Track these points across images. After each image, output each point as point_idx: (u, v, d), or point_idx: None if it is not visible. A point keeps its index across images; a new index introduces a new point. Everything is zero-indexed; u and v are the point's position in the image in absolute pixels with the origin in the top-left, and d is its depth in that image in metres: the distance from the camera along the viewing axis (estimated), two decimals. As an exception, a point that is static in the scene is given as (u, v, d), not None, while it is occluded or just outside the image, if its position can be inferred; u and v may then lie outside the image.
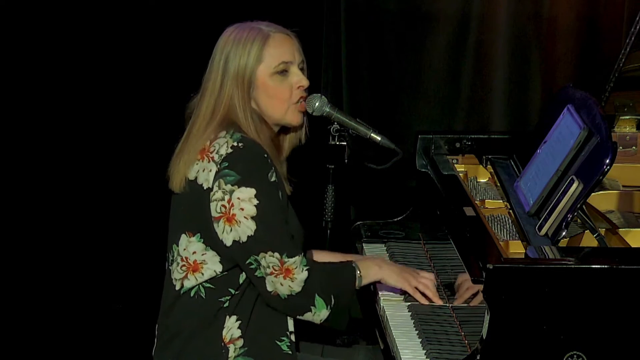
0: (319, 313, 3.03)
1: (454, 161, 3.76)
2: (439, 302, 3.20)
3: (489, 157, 3.77)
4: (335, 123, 3.44)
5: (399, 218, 3.80)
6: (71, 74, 4.62)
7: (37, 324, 4.59)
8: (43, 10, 4.57)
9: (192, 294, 3.04)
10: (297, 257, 2.99)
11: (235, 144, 2.97)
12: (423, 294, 3.19)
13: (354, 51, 4.63)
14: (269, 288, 2.99)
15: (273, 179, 2.98)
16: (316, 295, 3.02)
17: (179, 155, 3.04)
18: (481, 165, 3.77)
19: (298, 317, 3.05)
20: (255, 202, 2.94)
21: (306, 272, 3.00)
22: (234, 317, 3.03)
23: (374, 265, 3.15)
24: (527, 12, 4.58)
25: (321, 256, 3.35)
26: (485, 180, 3.73)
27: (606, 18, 4.52)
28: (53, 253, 4.67)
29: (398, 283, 3.18)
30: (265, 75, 3.05)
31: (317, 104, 3.39)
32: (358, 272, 3.11)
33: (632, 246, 3.16)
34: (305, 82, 3.12)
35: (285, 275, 2.98)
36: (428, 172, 3.72)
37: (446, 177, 3.59)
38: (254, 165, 2.97)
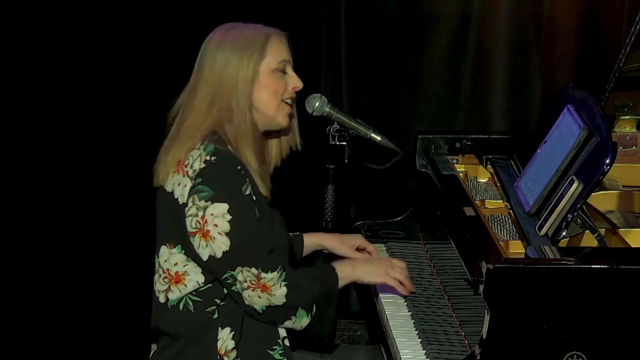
0: (300, 321, 3.03)
1: (454, 161, 3.76)
2: (413, 289, 3.23)
3: (489, 157, 3.77)
4: (335, 123, 3.44)
5: (399, 218, 3.80)
6: (61, 75, 4.62)
7: (37, 324, 4.58)
8: (43, 10, 4.57)
9: (180, 307, 3.03)
10: (274, 272, 2.97)
11: (208, 157, 2.95)
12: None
13: (354, 51, 4.63)
14: (246, 302, 2.99)
15: (248, 192, 2.97)
16: (299, 308, 3.02)
17: (166, 152, 3.03)
18: (481, 165, 3.77)
19: (278, 325, 3.05)
20: (229, 217, 2.93)
21: (285, 287, 2.99)
22: (227, 329, 3.02)
23: (347, 267, 3.14)
24: (527, 12, 4.58)
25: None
26: (485, 180, 3.73)
27: (606, 18, 4.52)
28: (53, 253, 4.67)
29: (377, 278, 3.18)
30: (268, 71, 3.05)
31: (317, 104, 3.40)
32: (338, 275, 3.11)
33: (632, 246, 3.16)
34: (300, 85, 3.13)
35: (262, 289, 2.97)
36: (428, 172, 3.72)
37: (446, 177, 3.59)
38: (227, 179, 2.95)
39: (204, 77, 3.03)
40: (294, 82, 3.11)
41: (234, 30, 3.06)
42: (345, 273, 3.13)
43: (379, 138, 3.46)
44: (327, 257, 3.45)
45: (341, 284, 3.11)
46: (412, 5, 4.60)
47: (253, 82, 3.03)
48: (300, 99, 3.50)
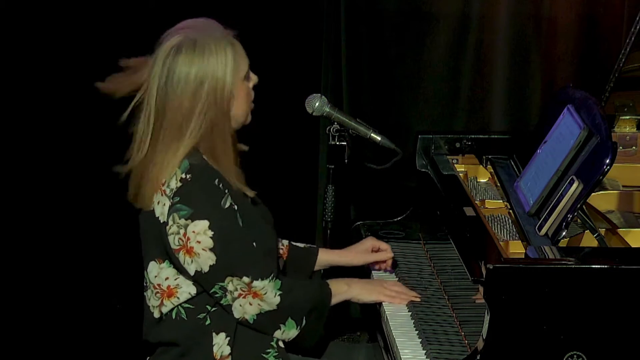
0: (288, 332, 3.03)
1: (454, 161, 3.76)
2: (416, 299, 3.25)
3: (489, 157, 3.77)
4: (335, 123, 3.45)
5: (399, 218, 3.80)
6: (68, 75, 4.62)
7: (37, 324, 4.58)
8: (43, 10, 4.57)
9: (173, 316, 3.01)
10: (266, 281, 2.96)
11: (183, 176, 2.91)
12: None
13: (354, 51, 4.62)
14: (237, 314, 2.98)
15: (227, 204, 2.93)
16: (289, 317, 3.01)
17: (145, 174, 2.95)
18: (481, 165, 3.77)
19: (267, 334, 3.03)
20: (211, 233, 2.89)
21: (279, 297, 2.98)
22: (222, 334, 3.01)
23: (343, 285, 3.15)
24: (527, 12, 4.58)
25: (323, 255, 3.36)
26: (485, 180, 3.73)
27: (606, 18, 4.52)
28: (53, 253, 4.67)
29: (372, 297, 3.21)
30: (240, 81, 2.96)
31: (317, 104, 3.40)
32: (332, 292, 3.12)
33: (632, 246, 3.16)
34: (257, 79, 3.04)
35: (254, 296, 2.96)
36: (428, 172, 3.72)
37: (446, 177, 3.59)
38: (205, 196, 2.91)
39: (176, 97, 2.90)
40: (254, 81, 3.04)
41: (198, 41, 2.92)
42: (340, 290, 3.13)
43: (379, 138, 3.46)
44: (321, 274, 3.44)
45: (334, 300, 3.12)
46: (412, 5, 4.60)
47: (230, 100, 2.94)
48: (300, 99, 3.50)
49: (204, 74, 2.90)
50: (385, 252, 3.39)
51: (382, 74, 4.65)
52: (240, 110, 2.99)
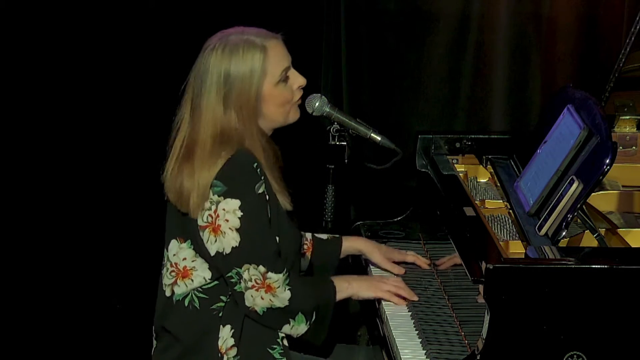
0: (297, 327, 3.04)
1: (454, 161, 3.76)
2: (414, 298, 3.25)
3: (489, 157, 3.77)
4: (335, 123, 3.44)
5: (399, 218, 3.80)
6: (69, 75, 4.62)
7: (37, 324, 4.58)
8: (43, 10, 4.57)
9: (186, 304, 3.04)
10: (280, 274, 2.98)
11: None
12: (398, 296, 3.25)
13: (354, 51, 4.63)
14: (247, 303, 3.00)
15: (261, 190, 2.97)
16: (299, 312, 3.03)
17: (189, 177, 2.96)
18: (481, 165, 3.77)
19: (276, 329, 3.05)
20: (240, 214, 2.93)
21: (289, 291, 3.00)
22: (228, 327, 3.03)
23: (344, 282, 3.17)
24: (527, 12, 4.58)
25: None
26: (485, 180, 3.73)
27: (606, 18, 4.52)
28: (53, 253, 4.67)
29: (370, 293, 3.22)
30: (271, 86, 3.02)
31: (317, 104, 3.39)
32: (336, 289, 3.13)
33: (632, 246, 3.16)
34: (304, 81, 3.11)
35: (266, 290, 2.98)
36: (428, 172, 3.72)
37: (446, 177, 3.59)
38: (242, 176, 2.95)
39: (208, 105, 2.97)
40: (298, 82, 3.09)
41: (229, 48, 2.98)
42: (342, 287, 3.15)
43: (379, 138, 3.46)
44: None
45: (337, 297, 3.13)
46: (412, 5, 4.61)
47: (256, 105, 3.00)
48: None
49: (230, 75, 2.96)
50: (399, 267, 3.42)
51: (382, 74, 4.65)
52: (272, 112, 3.04)
